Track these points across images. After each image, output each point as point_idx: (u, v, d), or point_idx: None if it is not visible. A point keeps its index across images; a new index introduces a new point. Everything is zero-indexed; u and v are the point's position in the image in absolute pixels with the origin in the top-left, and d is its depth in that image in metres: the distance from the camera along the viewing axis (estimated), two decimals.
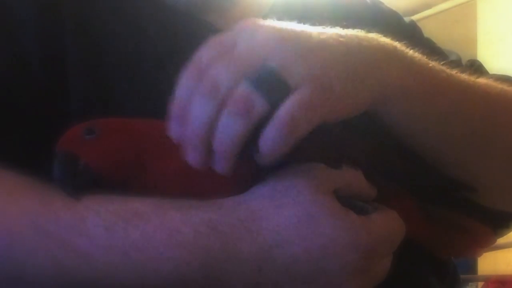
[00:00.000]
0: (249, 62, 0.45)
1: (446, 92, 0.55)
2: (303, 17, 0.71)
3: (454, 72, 0.57)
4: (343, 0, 0.75)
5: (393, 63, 0.51)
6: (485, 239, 0.58)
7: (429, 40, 0.78)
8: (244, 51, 0.46)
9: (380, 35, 0.52)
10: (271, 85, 0.43)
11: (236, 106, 0.43)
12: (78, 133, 0.49)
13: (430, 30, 0.87)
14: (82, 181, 0.48)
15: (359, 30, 0.51)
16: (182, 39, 0.65)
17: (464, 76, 0.59)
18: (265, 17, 0.69)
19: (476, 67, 0.74)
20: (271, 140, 0.44)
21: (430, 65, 0.55)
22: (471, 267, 2.73)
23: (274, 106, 0.43)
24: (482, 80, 0.62)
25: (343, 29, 0.50)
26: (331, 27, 0.50)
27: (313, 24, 0.50)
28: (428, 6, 3.28)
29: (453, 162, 0.57)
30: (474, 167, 0.59)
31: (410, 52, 0.54)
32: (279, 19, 0.70)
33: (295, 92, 0.44)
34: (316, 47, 0.47)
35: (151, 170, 0.49)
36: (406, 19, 0.79)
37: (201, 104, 0.44)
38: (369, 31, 0.52)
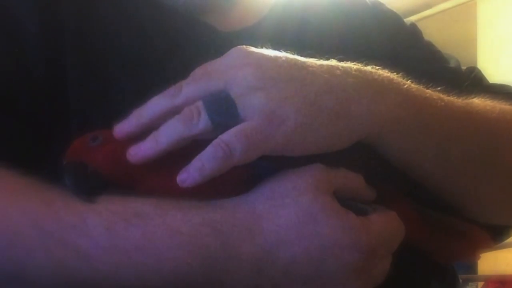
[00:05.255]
0: (212, 82, 0.49)
1: (443, 122, 0.54)
2: (302, 18, 0.71)
3: (451, 99, 0.57)
4: (343, 1, 0.75)
5: (386, 96, 0.51)
6: (483, 243, 0.58)
7: (429, 43, 0.77)
8: (214, 70, 0.49)
9: (377, 67, 0.53)
10: (220, 109, 0.47)
11: (183, 115, 0.48)
12: (83, 142, 0.50)
13: (430, 30, 0.87)
14: (92, 186, 0.49)
15: (356, 63, 0.52)
16: (182, 40, 0.65)
17: (462, 102, 0.58)
18: (265, 19, 0.69)
19: (475, 75, 0.74)
20: (204, 159, 0.46)
21: (427, 95, 0.55)
22: (471, 267, 2.73)
23: (217, 128, 0.47)
24: (479, 103, 0.61)
25: (339, 62, 0.51)
26: (327, 59, 0.51)
27: (313, 51, 0.52)
28: (428, 6, 3.28)
29: (451, 186, 0.58)
30: (473, 190, 0.59)
31: (407, 83, 0.53)
32: (279, 20, 0.70)
33: (243, 123, 0.46)
34: (287, 81, 0.48)
35: (153, 174, 0.49)
36: (407, 21, 0.79)
37: (160, 100, 0.50)
38: (368, 63, 0.52)
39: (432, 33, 0.83)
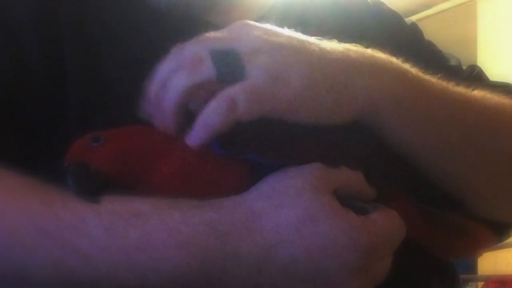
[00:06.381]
0: (218, 41, 0.49)
1: (441, 103, 0.55)
2: (303, 17, 0.71)
3: (450, 84, 0.58)
4: (343, 0, 0.75)
5: (386, 73, 0.52)
6: (485, 241, 0.58)
7: (430, 42, 0.78)
8: (221, 35, 0.50)
9: (376, 50, 0.54)
10: (227, 61, 0.48)
11: (187, 63, 0.48)
12: (84, 143, 0.50)
13: (430, 30, 0.87)
14: (95, 186, 0.49)
15: (357, 44, 0.53)
16: (182, 39, 0.65)
17: (461, 88, 0.59)
18: (264, 18, 0.70)
19: (476, 73, 0.74)
20: (209, 112, 0.47)
21: (426, 77, 0.55)
22: (471, 267, 2.72)
23: (222, 79, 0.47)
24: (478, 93, 0.62)
25: (342, 42, 0.53)
26: (330, 39, 0.53)
27: (315, 34, 0.53)
28: (428, 6, 3.28)
29: (450, 174, 0.58)
30: (472, 179, 0.59)
31: (407, 65, 0.55)
32: (279, 19, 0.70)
33: (248, 80, 0.47)
34: (291, 48, 0.49)
35: (155, 171, 0.49)
36: (408, 20, 0.79)
37: (165, 64, 0.50)
38: (368, 46, 0.53)
39: (432, 33, 0.83)
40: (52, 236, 0.48)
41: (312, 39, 0.52)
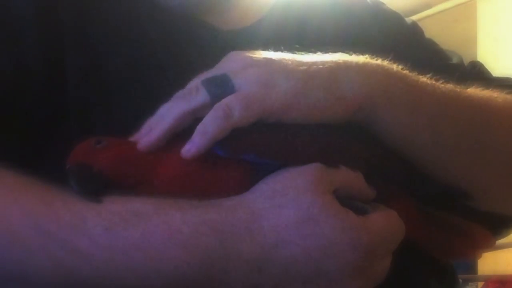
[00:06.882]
0: (210, 71, 0.53)
1: (432, 96, 0.56)
2: (303, 18, 0.71)
3: (439, 82, 0.59)
4: (343, 1, 0.75)
5: (371, 72, 0.53)
6: (484, 242, 0.58)
7: (430, 41, 0.78)
8: (213, 68, 0.53)
9: (364, 56, 0.55)
10: (217, 83, 0.51)
11: (182, 92, 0.52)
12: (88, 145, 0.51)
13: (430, 30, 0.87)
14: (96, 187, 0.49)
15: (344, 53, 0.55)
16: (182, 40, 0.65)
17: (450, 85, 0.60)
18: (265, 19, 0.70)
19: (478, 69, 0.74)
20: (206, 122, 0.49)
21: (412, 74, 0.57)
22: (471, 267, 2.73)
23: (216, 101, 0.50)
24: (470, 89, 0.63)
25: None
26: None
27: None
28: (428, 6, 3.28)
29: (447, 168, 0.58)
30: (469, 172, 0.59)
31: (392, 64, 0.56)
32: (279, 20, 0.71)
33: (241, 90, 0.50)
34: (277, 59, 0.52)
35: (156, 173, 0.50)
36: (408, 20, 0.79)
37: (167, 103, 0.53)
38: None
39: (432, 33, 0.83)
40: (52, 236, 0.48)
41: (291, 54, 0.54)
